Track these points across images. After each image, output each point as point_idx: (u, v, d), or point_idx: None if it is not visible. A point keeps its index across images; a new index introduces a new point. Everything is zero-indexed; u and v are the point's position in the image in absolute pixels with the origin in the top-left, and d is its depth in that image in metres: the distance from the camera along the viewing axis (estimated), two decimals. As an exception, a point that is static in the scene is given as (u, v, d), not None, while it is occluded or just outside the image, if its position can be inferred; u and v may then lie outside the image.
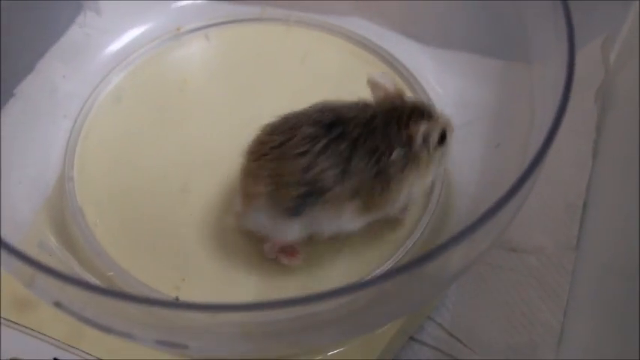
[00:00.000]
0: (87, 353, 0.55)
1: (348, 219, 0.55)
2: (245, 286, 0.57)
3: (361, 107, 0.55)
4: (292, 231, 0.55)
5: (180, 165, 0.64)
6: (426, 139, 0.54)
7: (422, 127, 0.53)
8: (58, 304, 0.46)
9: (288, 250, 0.57)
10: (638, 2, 0.69)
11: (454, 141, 0.57)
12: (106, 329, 0.46)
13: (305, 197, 0.52)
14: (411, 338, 0.59)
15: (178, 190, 0.62)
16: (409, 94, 0.67)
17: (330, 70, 0.71)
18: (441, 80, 0.69)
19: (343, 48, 0.72)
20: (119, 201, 0.62)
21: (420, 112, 0.55)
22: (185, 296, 0.56)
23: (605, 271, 0.57)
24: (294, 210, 0.53)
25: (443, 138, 0.55)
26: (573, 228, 0.62)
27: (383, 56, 0.71)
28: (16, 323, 0.56)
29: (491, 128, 0.64)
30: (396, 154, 0.53)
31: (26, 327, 0.56)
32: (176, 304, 0.46)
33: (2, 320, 0.56)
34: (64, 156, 0.64)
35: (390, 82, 0.57)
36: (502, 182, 0.55)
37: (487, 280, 0.61)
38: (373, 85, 0.57)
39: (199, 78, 0.71)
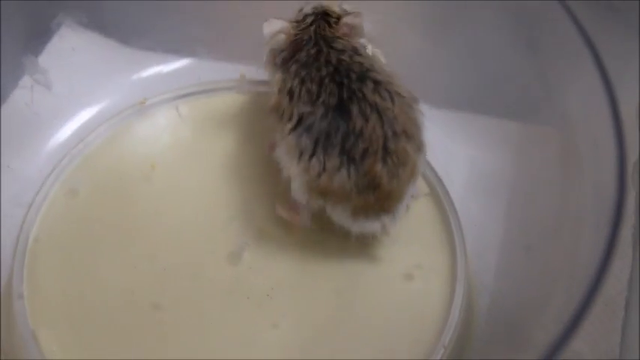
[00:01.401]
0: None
1: None
2: None
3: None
4: None
5: (150, 274, 0.56)
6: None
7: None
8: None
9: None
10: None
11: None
12: None
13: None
14: None
15: (150, 307, 0.54)
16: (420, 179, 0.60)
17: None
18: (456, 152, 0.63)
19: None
20: (79, 322, 0.53)
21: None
22: None
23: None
24: None
25: None
26: (614, 331, 0.56)
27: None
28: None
29: (517, 222, 0.57)
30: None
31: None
32: None
33: None
34: (12, 266, 0.56)
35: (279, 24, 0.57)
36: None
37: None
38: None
39: (170, 160, 0.62)
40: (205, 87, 0.67)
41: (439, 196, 0.60)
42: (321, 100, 0.52)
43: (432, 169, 0.61)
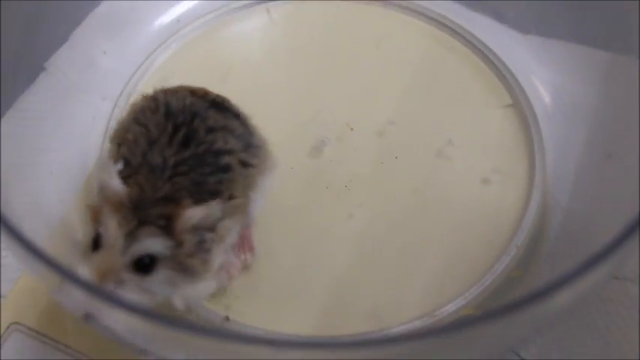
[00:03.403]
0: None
1: None
2: (302, 309, 0.53)
3: None
4: None
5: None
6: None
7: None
8: (87, 318, 0.42)
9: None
10: None
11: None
12: (140, 352, 0.42)
13: None
14: (494, 375, 0.55)
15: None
16: (504, 91, 0.63)
17: (409, 58, 0.66)
18: (541, 75, 0.64)
19: (425, 32, 0.67)
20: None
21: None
22: (236, 316, 0.51)
23: None
24: None
25: None
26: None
27: (472, 43, 0.66)
28: (38, 332, 0.52)
29: (600, 134, 0.58)
30: None
31: (51, 338, 0.52)
32: (229, 335, 0.42)
33: (22, 328, 0.52)
34: (102, 144, 0.59)
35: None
36: (613, 199, 0.51)
37: (582, 311, 0.56)
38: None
39: (253, 62, 0.66)
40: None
41: (522, 107, 0.62)
42: None
43: (517, 81, 0.63)
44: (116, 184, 0.44)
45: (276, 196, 0.56)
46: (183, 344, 0.39)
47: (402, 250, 0.55)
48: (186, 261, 0.44)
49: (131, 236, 0.43)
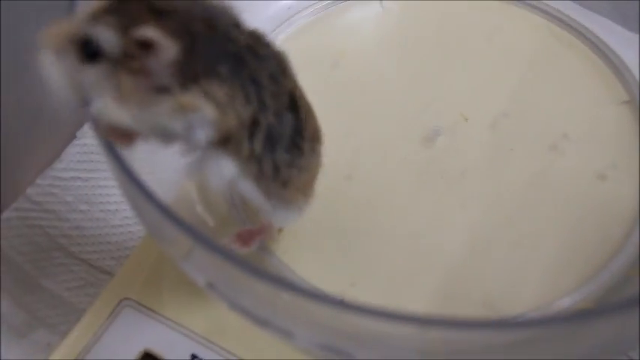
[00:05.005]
0: (229, 352, 0.52)
1: None
2: (414, 296, 0.54)
3: None
4: None
5: (345, 150, 0.60)
6: None
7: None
8: (210, 285, 0.43)
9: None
10: None
11: None
12: (262, 322, 0.43)
13: None
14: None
15: (342, 178, 0.59)
16: (620, 88, 0.63)
17: (523, 51, 0.66)
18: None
19: (540, 26, 0.68)
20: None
21: None
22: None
23: None
24: None
25: None
26: None
27: (588, 39, 0.66)
28: (149, 309, 0.53)
29: None
30: None
31: (161, 315, 0.53)
32: (359, 308, 0.43)
33: (133, 304, 0.54)
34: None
35: None
36: None
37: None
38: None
39: (365, 50, 0.67)
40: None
41: (638, 104, 0.62)
42: None
43: (634, 78, 0.63)
44: None
45: (390, 184, 0.58)
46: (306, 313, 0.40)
47: (516, 242, 0.55)
48: (123, 79, 0.39)
49: (95, 17, 0.39)
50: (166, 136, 0.42)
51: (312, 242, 0.56)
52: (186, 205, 0.56)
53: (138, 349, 0.51)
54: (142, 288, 0.54)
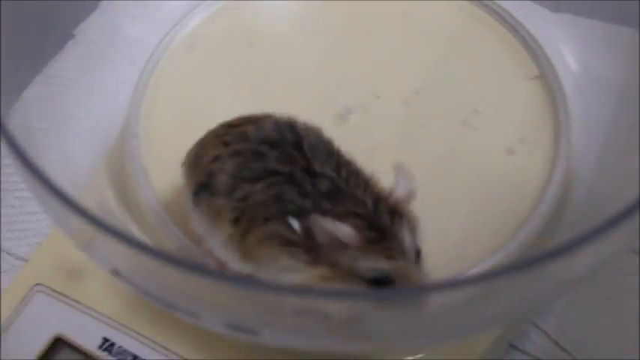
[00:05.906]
0: (140, 334, 0.53)
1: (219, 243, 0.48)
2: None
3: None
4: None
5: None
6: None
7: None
8: (115, 272, 0.44)
9: None
10: None
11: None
12: (170, 306, 0.43)
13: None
14: (511, 346, 0.57)
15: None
16: (531, 63, 0.64)
17: (437, 28, 0.67)
18: (568, 49, 0.66)
19: (452, 3, 0.69)
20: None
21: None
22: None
23: None
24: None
25: None
26: None
27: (501, 16, 0.67)
28: (61, 294, 0.54)
29: (625, 108, 0.60)
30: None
31: (74, 299, 0.54)
32: (253, 282, 0.44)
33: (46, 289, 0.55)
34: (129, 109, 0.62)
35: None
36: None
37: (602, 285, 0.58)
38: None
39: (283, 28, 0.68)
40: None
41: (549, 80, 0.63)
42: None
43: (545, 54, 0.64)
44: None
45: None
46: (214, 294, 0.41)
47: (426, 216, 0.56)
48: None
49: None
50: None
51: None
52: (95, 193, 0.56)
53: (49, 335, 0.52)
54: (54, 274, 0.55)
